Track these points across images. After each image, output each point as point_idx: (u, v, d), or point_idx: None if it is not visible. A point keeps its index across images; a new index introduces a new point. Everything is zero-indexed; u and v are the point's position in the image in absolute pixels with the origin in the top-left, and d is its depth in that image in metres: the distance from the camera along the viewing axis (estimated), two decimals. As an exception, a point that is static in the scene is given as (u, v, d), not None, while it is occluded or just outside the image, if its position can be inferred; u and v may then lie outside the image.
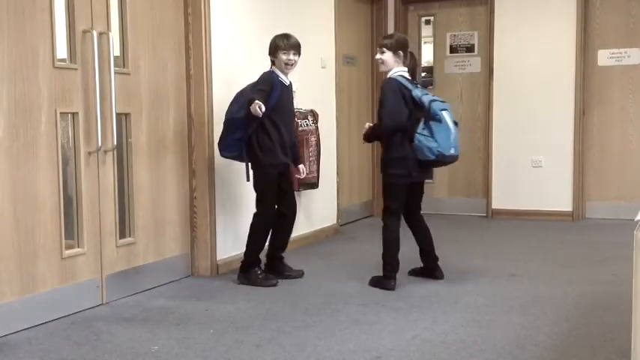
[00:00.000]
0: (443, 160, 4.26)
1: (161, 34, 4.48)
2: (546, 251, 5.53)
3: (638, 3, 6.78)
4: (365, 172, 7.21)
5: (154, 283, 4.44)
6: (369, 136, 4.56)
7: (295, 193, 5.65)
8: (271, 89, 4.40)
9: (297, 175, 4.78)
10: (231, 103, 4.51)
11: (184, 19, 4.65)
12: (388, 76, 4.36)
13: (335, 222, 6.42)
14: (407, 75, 4.35)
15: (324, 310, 3.94)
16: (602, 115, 6.99)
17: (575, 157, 6.96)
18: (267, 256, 4.69)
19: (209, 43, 4.69)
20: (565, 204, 7.01)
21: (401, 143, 4.27)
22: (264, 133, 4.39)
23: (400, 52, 4.34)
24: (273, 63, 4.54)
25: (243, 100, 4.41)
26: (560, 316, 3.78)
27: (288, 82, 4.57)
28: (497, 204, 7.26)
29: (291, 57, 4.50)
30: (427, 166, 4.38)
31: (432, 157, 4.20)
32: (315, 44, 6.02)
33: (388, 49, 4.35)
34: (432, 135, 4.18)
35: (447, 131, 4.17)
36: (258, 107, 4.20)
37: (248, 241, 4.57)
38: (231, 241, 4.99)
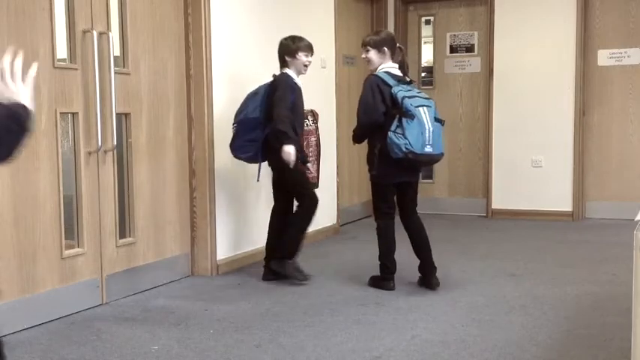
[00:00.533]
0: (416, 158, 4.07)
1: (161, 34, 4.48)
2: (546, 251, 5.53)
3: (638, 3, 6.78)
4: (365, 172, 7.18)
5: (154, 283, 4.44)
6: (355, 136, 4.51)
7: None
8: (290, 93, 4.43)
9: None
10: (244, 104, 4.50)
11: (184, 19, 4.65)
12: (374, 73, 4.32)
13: (335, 222, 6.42)
14: (394, 71, 4.27)
15: (324, 310, 3.94)
16: (602, 115, 6.99)
17: (575, 157, 6.96)
18: (267, 258, 4.67)
19: (209, 43, 4.69)
20: (565, 204, 7.00)
21: (380, 141, 4.19)
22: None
23: (384, 48, 4.27)
24: (285, 65, 4.52)
25: (259, 101, 4.42)
26: (560, 316, 3.78)
27: (300, 84, 4.57)
28: (497, 204, 7.26)
29: (310, 58, 4.57)
30: (405, 165, 4.15)
31: (401, 155, 4.04)
32: (315, 44, 6.01)
33: (372, 46, 4.30)
34: (403, 132, 4.04)
35: (420, 128, 4.02)
36: (289, 157, 4.30)
37: (295, 231, 4.53)
38: (231, 241, 4.99)
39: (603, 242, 5.79)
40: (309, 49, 4.55)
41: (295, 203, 4.60)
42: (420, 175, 4.59)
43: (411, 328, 3.60)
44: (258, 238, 5.23)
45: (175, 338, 3.47)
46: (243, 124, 4.46)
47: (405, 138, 4.02)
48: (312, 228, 5.93)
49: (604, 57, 6.92)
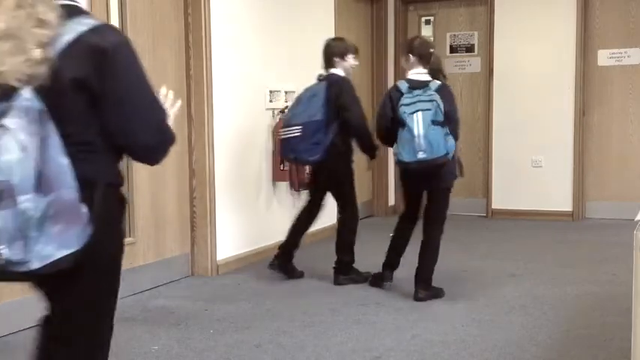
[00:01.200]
0: (406, 167, 4.01)
1: (161, 34, 4.48)
2: (546, 251, 5.53)
3: (638, 3, 6.78)
4: (365, 172, 7.20)
5: (154, 283, 4.44)
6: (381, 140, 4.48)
7: (295, 193, 5.67)
8: None
9: None
10: (305, 106, 4.43)
11: (184, 19, 4.65)
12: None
13: (335, 222, 6.40)
14: (416, 77, 4.11)
15: (324, 310, 3.94)
16: (602, 115, 6.98)
17: (575, 157, 6.96)
18: (282, 253, 4.65)
19: (209, 43, 4.69)
20: (565, 204, 7.00)
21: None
22: (344, 134, 4.43)
23: (410, 55, 4.17)
24: (332, 65, 4.51)
25: (321, 103, 4.38)
26: (560, 316, 3.78)
27: None
28: (497, 204, 7.26)
29: (357, 61, 4.66)
30: (404, 171, 4.17)
31: (396, 163, 4.11)
32: (315, 44, 6.01)
33: (401, 53, 4.37)
34: (399, 141, 4.00)
35: (409, 136, 3.90)
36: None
37: (343, 244, 4.57)
38: (232, 241, 4.99)
39: (603, 242, 5.79)
40: (356, 51, 4.63)
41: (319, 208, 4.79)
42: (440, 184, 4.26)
43: (411, 328, 3.60)
44: (258, 238, 5.24)
45: (175, 338, 3.47)
46: (308, 126, 4.37)
47: (397, 146, 4.00)
48: (312, 228, 5.96)
49: (604, 57, 6.91)
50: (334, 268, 4.57)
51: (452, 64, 7.45)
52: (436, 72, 4.24)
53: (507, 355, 3.21)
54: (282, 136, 4.51)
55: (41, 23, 1.65)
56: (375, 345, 3.35)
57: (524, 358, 3.17)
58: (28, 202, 1.58)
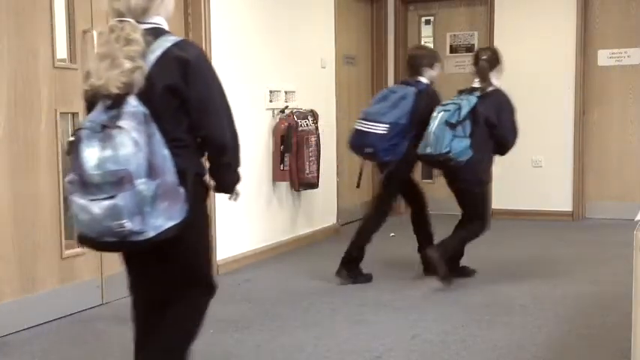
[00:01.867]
0: (418, 158, 4.46)
1: (161, 34, 4.48)
2: (546, 251, 5.53)
3: (638, 3, 6.77)
4: (365, 172, 7.19)
5: (154, 283, 4.43)
6: None
7: (295, 193, 5.68)
8: None
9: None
10: (393, 107, 4.39)
11: (184, 19, 4.65)
12: None
13: (335, 222, 6.42)
14: (474, 85, 4.45)
15: (324, 310, 3.94)
16: (602, 115, 6.98)
17: (575, 157, 6.96)
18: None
19: (209, 43, 4.69)
20: (565, 204, 7.00)
21: None
22: (416, 146, 4.42)
23: (472, 66, 4.55)
24: (419, 73, 4.53)
25: (408, 108, 4.37)
26: (560, 316, 3.78)
27: None
28: (497, 204, 7.22)
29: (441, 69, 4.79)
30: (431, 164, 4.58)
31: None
32: (315, 44, 6.02)
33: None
34: None
35: (426, 132, 4.29)
36: None
37: (361, 236, 4.60)
38: (231, 241, 4.98)
39: (603, 242, 5.79)
40: (440, 59, 4.77)
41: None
42: (461, 184, 4.62)
43: (411, 328, 3.60)
44: (258, 238, 5.24)
45: (175, 338, 3.46)
46: (394, 127, 4.35)
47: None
48: (311, 228, 5.96)
49: (604, 57, 6.91)
50: (342, 257, 4.56)
51: (452, 64, 7.45)
52: (478, 74, 4.48)
53: (507, 355, 3.21)
54: (362, 128, 4.43)
55: (129, 42, 2.11)
56: (375, 345, 3.35)
57: (524, 358, 3.17)
58: (142, 184, 2.02)
